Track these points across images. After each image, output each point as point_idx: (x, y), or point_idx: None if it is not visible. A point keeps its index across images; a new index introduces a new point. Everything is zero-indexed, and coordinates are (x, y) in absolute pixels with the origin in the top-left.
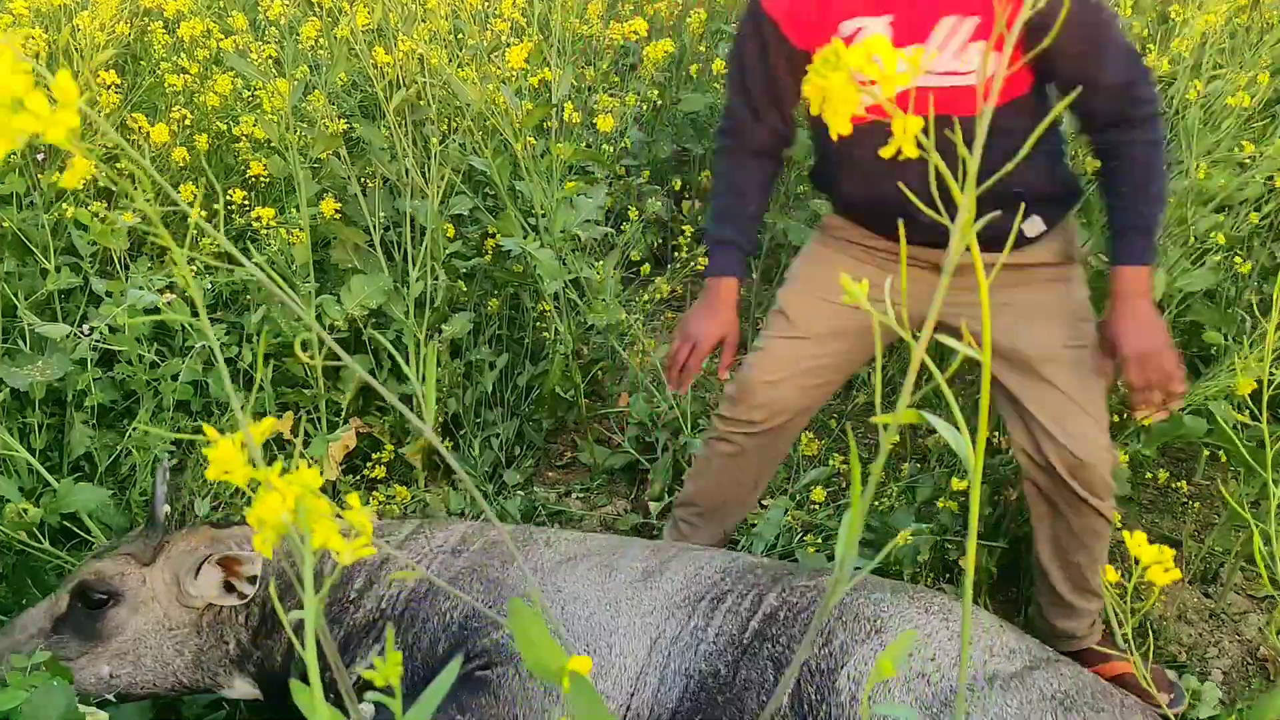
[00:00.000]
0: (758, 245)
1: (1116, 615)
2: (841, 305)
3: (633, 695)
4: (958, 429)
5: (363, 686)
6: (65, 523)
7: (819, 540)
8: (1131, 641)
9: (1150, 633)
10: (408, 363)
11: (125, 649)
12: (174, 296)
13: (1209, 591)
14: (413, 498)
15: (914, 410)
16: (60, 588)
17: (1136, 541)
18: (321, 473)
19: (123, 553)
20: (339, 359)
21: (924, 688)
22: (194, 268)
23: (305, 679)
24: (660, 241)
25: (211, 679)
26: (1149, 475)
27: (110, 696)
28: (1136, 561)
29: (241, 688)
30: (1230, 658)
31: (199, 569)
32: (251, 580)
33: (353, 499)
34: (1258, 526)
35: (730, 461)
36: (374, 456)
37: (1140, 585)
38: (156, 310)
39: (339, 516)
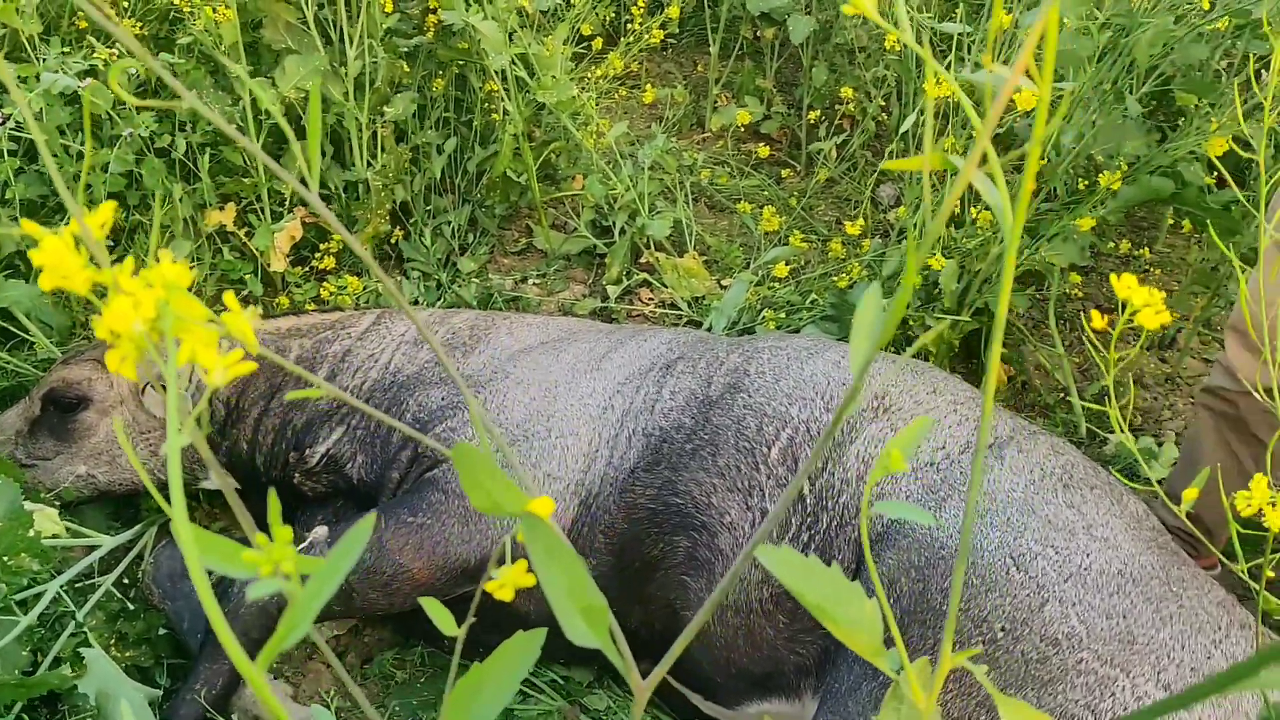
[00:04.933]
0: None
1: (1102, 365)
2: None
3: (586, 471)
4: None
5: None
6: (2, 323)
7: (780, 316)
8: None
9: (1109, 398)
10: (350, 148)
11: (99, 449)
12: (93, 81)
13: (1164, 357)
14: (364, 288)
15: (939, 155)
16: (34, 391)
17: (1125, 284)
18: (270, 264)
19: (89, 358)
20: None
21: (933, 475)
22: (114, 51)
23: (264, 471)
24: (613, 15)
25: (188, 473)
26: (1111, 245)
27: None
28: (1123, 306)
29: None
30: (1184, 419)
31: (144, 390)
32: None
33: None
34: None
35: None
36: (322, 247)
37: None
38: (76, 97)
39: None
